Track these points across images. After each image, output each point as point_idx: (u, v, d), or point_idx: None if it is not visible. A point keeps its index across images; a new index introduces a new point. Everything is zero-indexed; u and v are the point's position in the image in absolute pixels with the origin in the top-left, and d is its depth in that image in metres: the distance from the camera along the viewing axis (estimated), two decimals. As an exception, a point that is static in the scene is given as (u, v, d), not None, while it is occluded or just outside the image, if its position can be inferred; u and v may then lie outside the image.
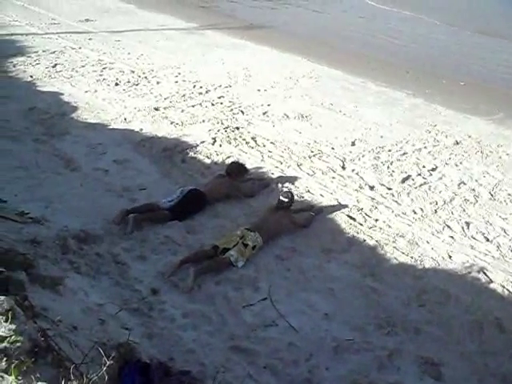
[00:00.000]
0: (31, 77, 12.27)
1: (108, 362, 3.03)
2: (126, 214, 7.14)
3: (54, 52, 14.07)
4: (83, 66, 13.18)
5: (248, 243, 6.72)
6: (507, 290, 6.42)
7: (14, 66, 12.76)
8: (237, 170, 8.18)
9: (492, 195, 8.30)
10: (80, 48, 14.52)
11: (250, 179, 8.39)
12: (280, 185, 8.32)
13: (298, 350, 5.42)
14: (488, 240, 7.33)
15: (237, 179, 8.10)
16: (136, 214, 7.14)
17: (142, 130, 9.96)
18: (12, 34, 15.34)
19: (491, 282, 6.56)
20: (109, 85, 12.12)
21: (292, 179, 8.49)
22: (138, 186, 8.13)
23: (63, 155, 8.81)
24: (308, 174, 8.69)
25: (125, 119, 10.37)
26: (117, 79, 12.45)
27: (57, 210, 7.19)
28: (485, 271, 6.73)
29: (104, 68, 13.14)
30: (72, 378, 2.90)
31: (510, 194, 8.31)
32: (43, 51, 14.07)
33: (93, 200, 7.65)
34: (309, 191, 8.24)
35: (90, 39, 15.35)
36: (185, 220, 7.36)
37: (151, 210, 7.39)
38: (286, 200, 7.35)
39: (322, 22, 17.15)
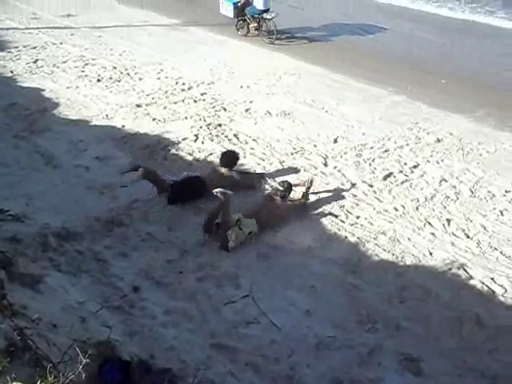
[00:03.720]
0: (11, 72, 12.17)
1: (85, 361, 3.01)
2: (137, 167, 7.74)
3: (35, 47, 13.94)
4: (65, 62, 13.08)
5: (242, 228, 6.82)
6: (487, 286, 6.48)
7: (-6, 62, 12.63)
8: (232, 159, 8.21)
9: (472, 192, 8.36)
10: (61, 43, 14.39)
11: (245, 171, 8.50)
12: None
13: (280, 347, 5.44)
14: (468, 237, 7.38)
15: (232, 168, 8.15)
16: (146, 168, 7.74)
17: (123, 126, 9.91)
18: (-8, 29, 15.19)
19: (471, 278, 6.62)
20: (91, 81, 12.04)
21: (279, 173, 8.51)
22: (119, 183, 8.09)
23: (44, 152, 8.75)
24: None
25: (106, 116, 10.32)
26: (99, 75, 12.36)
27: (37, 208, 7.15)
28: (465, 268, 6.78)
29: (86, 64, 13.04)
30: (48, 377, 2.87)
31: (490, 191, 8.37)
32: (24, 46, 13.94)
33: (74, 197, 7.62)
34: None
35: (71, 35, 15.21)
36: (179, 202, 7.67)
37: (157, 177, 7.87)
38: (282, 189, 7.44)
39: (302, 18, 17.11)
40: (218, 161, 8.33)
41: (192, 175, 8.03)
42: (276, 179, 8.23)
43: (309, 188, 7.78)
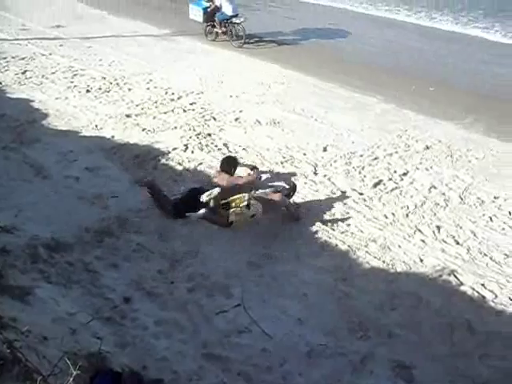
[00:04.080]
0: (0, 83, 12.13)
1: (75, 373, 2.99)
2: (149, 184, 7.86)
3: (24, 58, 13.92)
4: (54, 73, 13.06)
5: (250, 208, 7.40)
6: (477, 292, 6.50)
7: (-17, 73, 12.60)
8: (233, 164, 8.23)
9: (462, 199, 8.41)
10: (50, 54, 14.38)
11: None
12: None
13: (272, 356, 5.42)
14: (458, 243, 7.42)
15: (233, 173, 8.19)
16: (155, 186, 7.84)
17: (113, 137, 9.89)
18: (-20, 41, 15.16)
19: (461, 284, 6.64)
20: (80, 92, 12.03)
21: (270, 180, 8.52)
22: (109, 193, 8.08)
23: (33, 163, 8.72)
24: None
25: (96, 126, 10.30)
26: (88, 86, 12.35)
27: (27, 219, 7.10)
28: (455, 274, 6.81)
29: (75, 75, 13.03)
30: (39, 389, 2.86)
31: (479, 198, 8.42)
32: (12, 57, 13.92)
33: (64, 208, 7.58)
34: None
35: (60, 45, 15.20)
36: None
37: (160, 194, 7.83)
38: (288, 187, 7.87)
39: (293, 28, 17.23)
40: (209, 170, 8.31)
41: (192, 188, 7.94)
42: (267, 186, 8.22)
43: (289, 194, 7.91)
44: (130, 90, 12.25)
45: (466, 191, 8.60)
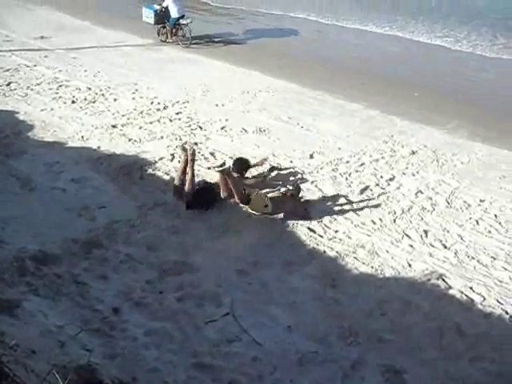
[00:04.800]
0: (-16, 96, 12.08)
1: (64, 386, 2.98)
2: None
3: (8, 70, 13.86)
4: (39, 84, 13.01)
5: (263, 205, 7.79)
6: (465, 295, 6.54)
7: (-33, 86, 12.53)
8: (244, 165, 8.63)
9: (448, 203, 8.46)
10: (35, 65, 14.33)
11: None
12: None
13: (262, 364, 5.42)
14: (446, 247, 7.46)
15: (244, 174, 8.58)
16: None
17: (99, 147, 9.87)
18: (-37, 53, 15.08)
19: (450, 288, 6.68)
20: (65, 102, 11.99)
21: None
22: (96, 204, 8.05)
23: (20, 175, 8.68)
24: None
25: (82, 137, 10.27)
26: (73, 97, 12.32)
27: (14, 231, 7.07)
28: (444, 278, 6.84)
29: (60, 86, 12.99)
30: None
31: (465, 201, 8.48)
32: (-4, 69, 13.86)
33: (51, 220, 7.55)
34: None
35: (45, 56, 15.15)
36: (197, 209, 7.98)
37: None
38: (292, 188, 8.17)
39: (278, 37, 17.33)
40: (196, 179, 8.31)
41: (205, 184, 8.23)
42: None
43: (293, 194, 8.17)
44: (115, 100, 12.23)
45: (453, 195, 8.66)
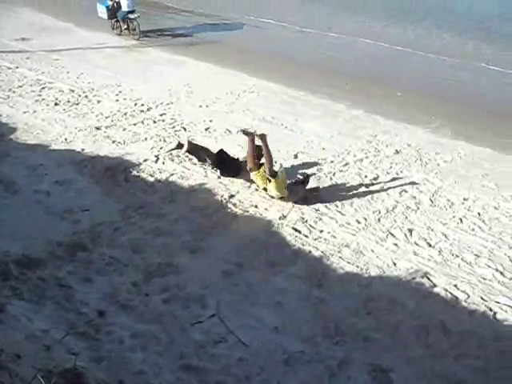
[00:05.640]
0: (-34, 99, 11.96)
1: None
2: (181, 145, 9.14)
3: (-11, 73, 13.74)
4: (21, 86, 12.91)
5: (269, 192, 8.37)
6: (450, 293, 6.60)
7: None
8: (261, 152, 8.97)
9: (432, 201, 8.52)
10: (17, 67, 14.20)
11: None
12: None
13: (249, 365, 5.43)
14: (430, 245, 7.52)
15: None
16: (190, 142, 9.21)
17: (83, 149, 9.81)
18: None
19: (435, 286, 6.73)
20: (48, 105, 11.90)
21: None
22: (80, 206, 8.01)
23: (3, 178, 8.61)
24: (251, 187, 8.75)
25: (65, 139, 10.21)
26: (56, 99, 12.23)
27: (-3, 235, 7.01)
28: (428, 276, 6.90)
29: (43, 88, 12.89)
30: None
31: (449, 200, 8.55)
32: (-23, 72, 13.73)
33: (34, 223, 7.50)
34: (254, 206, 8.28)
35: (27, 58, 15.02)
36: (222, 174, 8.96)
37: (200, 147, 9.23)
38: (301, 178, 8.68)
39: (261, 37, 17.35)
40: (181, 181, 8.28)
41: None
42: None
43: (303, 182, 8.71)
44: (99, 102, 12.16)
45: (436, 194, 8.73)
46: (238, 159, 9.17)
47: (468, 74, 14.43)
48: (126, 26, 17.67)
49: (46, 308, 5.84)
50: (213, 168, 9.14)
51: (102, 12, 17.88)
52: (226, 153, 9.13)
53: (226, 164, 9.02)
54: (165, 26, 18.53)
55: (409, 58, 15.66)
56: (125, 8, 17.40)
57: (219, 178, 8.97)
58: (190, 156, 9.39)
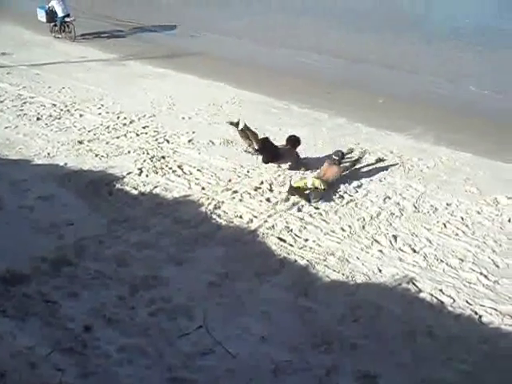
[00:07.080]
0: None
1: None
2: (237, 123, 9.66)
3: (-31, 88, 13.66)
4: (1, 102, 12.85)
5: (318, 186, 8.73)
6: (436, 298, 6.64)
7: None
8: (297, 141, 9.94)
9: (416, 207, 8.58)
10: (-2, 83, 14.15)
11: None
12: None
13: (237, 376, 5.42)
14: (415, 251, 7.56)
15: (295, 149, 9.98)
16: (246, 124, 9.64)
17: (66, 164, 9.77)
18: None
19: (420, 291, 6.77)
20: (30, 120, 11.85)
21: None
22: (65, 221, 7.98)
23: (-15, 194, 8.55)
24: (235, 198, 8.76)
25: (48, 154, 10.16)
26: (38, 113, 12.18)
27: (-20, 252, 6.95)
28: (414, 282, 6.94)
29: (24, 102, 12.83)
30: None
31: (432, 205, 8.61)
32: (-43, 88, 13.64)
33: (19, 239, 7.45)
34: (239, 216, 8.29)
35: (7, 73, 14.95)
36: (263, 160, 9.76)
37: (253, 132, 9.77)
38: (337, 158, 9.33)
39: (242, 48, 17.40)
40: (165, 193, 8.27)
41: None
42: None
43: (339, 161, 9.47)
44: (81, 116, 12.13)
45: (420, 200, 8.79)
46: (277, 147, 9.84)
47: (448, 82, 14.57)
48: (63, 29, 18.71)
49: (31, 324, 5.80)
50: (256, 153, 9.83)
51: (42, 16, 19.01)
52: (269, 141, 9.83)
53: (268, 150, 9.68)
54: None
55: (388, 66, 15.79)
56: (60, 13, 18.55)
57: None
58: (241, 136, 9.99)
